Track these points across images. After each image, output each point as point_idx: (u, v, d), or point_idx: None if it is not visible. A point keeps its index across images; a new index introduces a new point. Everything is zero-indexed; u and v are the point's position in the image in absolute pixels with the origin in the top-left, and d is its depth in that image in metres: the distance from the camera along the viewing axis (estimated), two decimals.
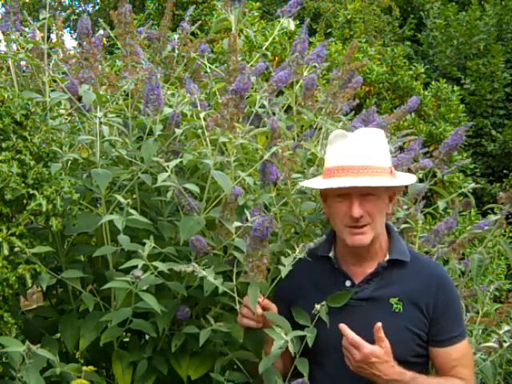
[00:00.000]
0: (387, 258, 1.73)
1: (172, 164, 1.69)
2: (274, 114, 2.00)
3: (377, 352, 1.56)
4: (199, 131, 1.86)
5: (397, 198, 1.82)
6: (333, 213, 1.70)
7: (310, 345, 1.63)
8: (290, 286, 1.73)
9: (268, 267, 1.65)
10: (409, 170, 2.10)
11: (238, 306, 1.68)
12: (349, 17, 7.44)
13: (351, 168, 1.64)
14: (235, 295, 1.67)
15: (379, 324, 1.57)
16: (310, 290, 1.75)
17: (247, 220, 1.67)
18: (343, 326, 1.59)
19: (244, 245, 1.67)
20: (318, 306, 1.64)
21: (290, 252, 1.63)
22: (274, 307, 1.69)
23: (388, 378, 1.58)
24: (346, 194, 1.65)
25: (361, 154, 1.65)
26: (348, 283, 1.73)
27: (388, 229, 1.78)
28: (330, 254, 1.76)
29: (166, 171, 1.68)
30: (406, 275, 1.72)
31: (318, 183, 1.74)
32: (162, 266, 1.63)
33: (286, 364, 1.72)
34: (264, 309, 1.66)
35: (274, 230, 1.88)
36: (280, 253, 1.79)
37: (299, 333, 1.63)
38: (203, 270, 1.58)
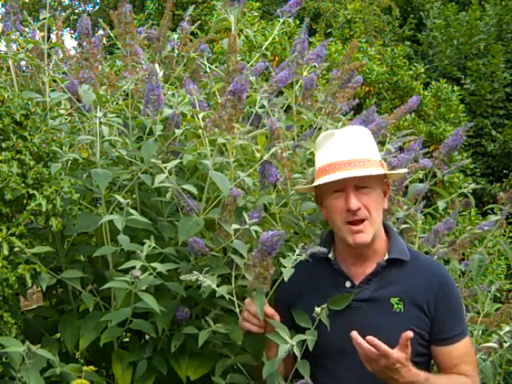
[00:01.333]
0: (386, 257, 1.73)
1: (170, 165, 1.69)
2: (273, 114, 2.00)
3: (401, 359, 1.54)
4: (199, 131, 1.86)
5: (390, 192, 1.82)
6: (330, 211, 1.70)
7: (311, 348, 1.63)
8: (290, 287, 1.72)
9: None
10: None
11: (237, 310, 1.68)
12: (349, 17, 7.43)
13: (343, 163, 1.66)
14: (234, 298, 1.66)
15: (411, 333, 1.53)
16: (310, 292, 1.74)
17: (245, 222, 1.67)
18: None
19: (243, 247, 1.67)
20: (318, 309, 1.64)
21: (290, 254, 1.62)
22: (277, 316, 1.68)
23: (405, 381, 1.57)
24: (340, 189, 1.66)
25: (350, 149, 1.68)
26: (348, 284, 1.73)
27: (386, 229, 1.78)
28: (330, 256, 1.77)
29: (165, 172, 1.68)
30: (406, 274, 1.72)
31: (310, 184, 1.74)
32: (161, 267, 1.63)
33: (288, 366, 1.72)
34: (267, 316, 1.65)
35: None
36: (279, 253, 1.79)
37: (302, 337, 1.62)
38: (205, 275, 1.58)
